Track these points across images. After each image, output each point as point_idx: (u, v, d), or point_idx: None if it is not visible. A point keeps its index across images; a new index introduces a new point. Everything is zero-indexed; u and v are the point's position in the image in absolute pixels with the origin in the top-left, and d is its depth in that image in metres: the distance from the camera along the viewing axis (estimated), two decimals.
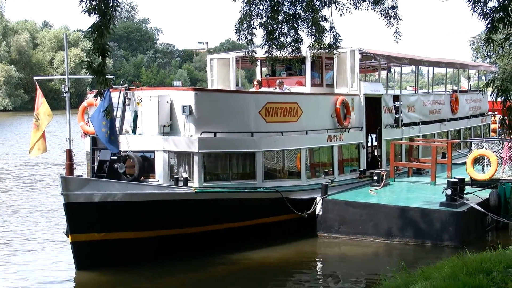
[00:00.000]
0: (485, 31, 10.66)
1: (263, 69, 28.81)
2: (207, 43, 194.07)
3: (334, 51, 13.52)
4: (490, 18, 10.34)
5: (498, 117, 36.00)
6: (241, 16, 12.32)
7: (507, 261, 12.29)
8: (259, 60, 26.85)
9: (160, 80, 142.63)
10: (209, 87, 27.73)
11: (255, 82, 25.78)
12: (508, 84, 10.73)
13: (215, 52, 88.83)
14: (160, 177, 20.25)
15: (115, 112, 20.04)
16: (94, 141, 20.70)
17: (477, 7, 10.43)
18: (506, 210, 22.53)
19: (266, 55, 13.28)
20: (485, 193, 22.46)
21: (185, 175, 19.94)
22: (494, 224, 22.37)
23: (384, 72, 35.56)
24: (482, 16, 10.42)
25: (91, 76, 10.31)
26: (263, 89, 25.48)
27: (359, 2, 12.35)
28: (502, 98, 10.83)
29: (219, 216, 20.15)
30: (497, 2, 10.33)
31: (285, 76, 27.27)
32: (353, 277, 18.18)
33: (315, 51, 13.50)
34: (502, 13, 10.16)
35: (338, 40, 12.81)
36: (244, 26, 12.46)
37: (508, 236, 21.89)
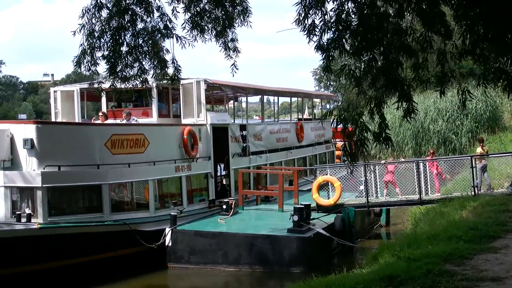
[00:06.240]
0: (323, 60, 10.93)
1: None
2: (52, 75, 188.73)
3: (178, 83, 13.50)
4: (327, 48, 10.60)
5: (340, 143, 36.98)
6: (81, 50, 12.06)
7: (351, 283, 12.62)
8: (104, 92, 26.42)
9: (3, 113, 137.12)
10: (53, 120, 27.07)
11: (100, 114, 25.37)
12: (345, 113, 11.08)
13: (61, 84, 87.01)
14: (1, 213, 19.49)
15: None
16: None
17: (313, 37, 10.63)
18: (350, 233, 23.31)
19: (111, 87, 13.06)
20: (330, 218, 23.13)
21: (28, 210, 19.30)
22: (340, 248, 22.99)
23: (232, 102, 36.08)
24: (318, 48, 10.65)
25: None
26: (109, 121, 25.16)
27: (202, 34, 12.37)
28: (341, 126, 11.18)
29: (66, 251, 19.58)
30: (332, 34, 10.63)
31: (131, 107, 27.05)
32: None
33: (158, 82, 13.45)
34: (337, 44, 10.49)
35: (179, 71, 12.76)
36: (86, 60, 12.20)
37: (353, 258, 22.52)
